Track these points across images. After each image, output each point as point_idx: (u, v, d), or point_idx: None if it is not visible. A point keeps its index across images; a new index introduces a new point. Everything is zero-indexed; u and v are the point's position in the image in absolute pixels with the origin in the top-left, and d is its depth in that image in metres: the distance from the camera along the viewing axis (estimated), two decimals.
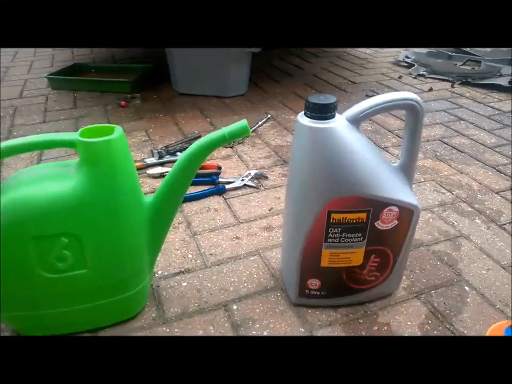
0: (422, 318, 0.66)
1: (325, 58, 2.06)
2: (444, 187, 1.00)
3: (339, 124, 0.54)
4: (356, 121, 0.55)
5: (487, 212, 0.91)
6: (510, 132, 1.28)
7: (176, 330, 0.63)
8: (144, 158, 1.08)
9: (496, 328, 0.63)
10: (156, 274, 0.73)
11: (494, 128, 1.31)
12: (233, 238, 0.82)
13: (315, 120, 0.54)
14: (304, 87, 1.66)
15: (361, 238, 0.59)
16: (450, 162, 1.12)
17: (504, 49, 2.15)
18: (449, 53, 2.01)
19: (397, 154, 1.14)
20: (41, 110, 1.44)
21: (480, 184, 1.02)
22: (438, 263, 0.77)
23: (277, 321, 0.65)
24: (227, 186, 0.97)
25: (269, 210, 0.91)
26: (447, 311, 0.67)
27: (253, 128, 1.25)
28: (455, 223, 0.87)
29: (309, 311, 0.66)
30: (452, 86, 1.67)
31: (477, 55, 1.99)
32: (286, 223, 0.65)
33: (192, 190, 0.96)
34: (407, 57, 1.98)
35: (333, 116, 0.54)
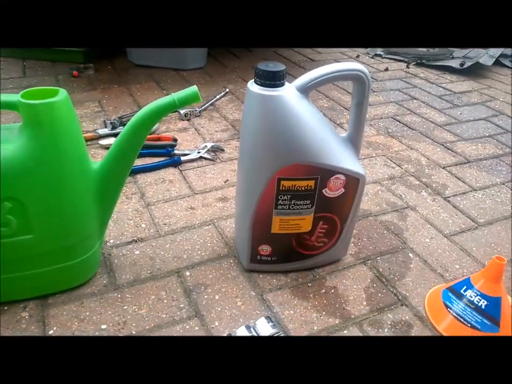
0: (368, 282, 0.69)
1: None
2: (394, 162, 1.04)
3: (288, 92, 0.55)
4: (304, 90, 0.56)
5: (434, 185, 0.96)
6: (459, 112, 1.34)
7: (127, 296, 0.63)
8: (96, 129, 1.06)
9: (435, 291, 0.67)
10: (108, 243, 0.72)
11: (444, 108, 1.37)
12: (188, 208, 0.83)
13: (265, 88, 0.54)
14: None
15: (310, 205, 0.61)
16: (401, 139, 1.16)
17: None
18: None
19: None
20: None
21: (428, 159, 1.06)
22: (385, 232, 0.80)
23: (229, 286, 0.66)
24: (183, 158, 0.97)
25: (225, 182, 0.91)
26: (391, 276, 0.70)
27: (210, 102, 1.24)
28: (403, 195, 0.91)
29: (260, 276, 0.68)
30: (407, 67, 1.72)
31: None
32: (238, 191, 0.66)
33: (148, 161, 0.95)
34: None
35: (282, 84, 0.55)
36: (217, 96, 1.28)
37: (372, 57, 1.80)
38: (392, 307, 0.65)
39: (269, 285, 0.67)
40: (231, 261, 0.71)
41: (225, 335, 0.58)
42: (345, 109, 1.31)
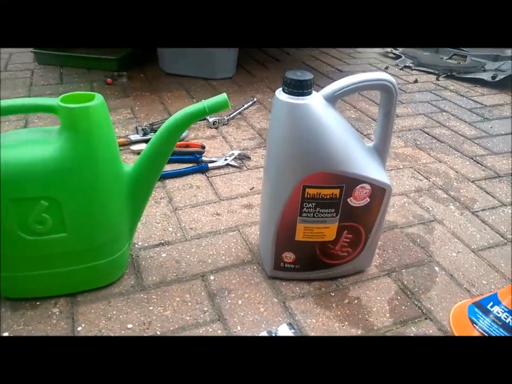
0: (392, 294, 0.68)
1: None
2: (421, 174, 1.03)
3: (315, 100, 0.56)
4: (332, 99, 0.57)
5: (462, 199, 0.94)
6: (490, 125, 1.32)
7: (153, 297, 0.65)
8: (128, 135, 1.09)
9: (461, 306, 0.66)
10: (136, 245, 0.74)
11: (474, 121, 1.35)
12: (214, 214, 0.84)
13: (292, 96, 0.55)
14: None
15: (334, 213, 0.62)
16: (429, 151, 1.14)
17: None
18: None
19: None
20: (27, 84, 1.42)
21: (457, 173, 1.05)
22: (411, 244, 0.80)
23: (252, 291, 0.67)
24: (210, 165, 0.99)
25: (250, 190, 0.92)
26: (416, 289, 0.70)
27: (238, 111, 1.26)
28: (430, 208, 0.90)
29: (283, 283, 0.69)
30: (437, 79, 1.70)
31: (463, 50, 2.01)
32: (264, 198, 0.67)
33: (176, 167, 0.97)
34: (394, 48, 2.00)
35: (310, 93, 0.56)
36: (245, 105, 1.30)
37: (401, 69, 1.79)
38: (416, 320, 0.64)
39: (291, 292, 0.67)
40: (255, 267, 0.72)
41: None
42: (373, 119, 1.30)
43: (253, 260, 0.73)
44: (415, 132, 1.25)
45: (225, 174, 0.98)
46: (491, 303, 0.61)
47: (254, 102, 1.34)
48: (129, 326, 0.60)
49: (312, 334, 0.61)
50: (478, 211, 0.90)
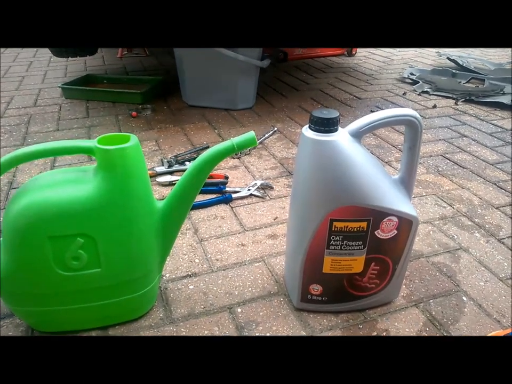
0: (420, 326, 0.68)
1: (332, 74, 2.10)
2: (445, 201, 1.03)
3: (341, 137, 0.57)
4: (357, 135, 0.58)
5: (487, 226, 0.93)
6: (511, 149, 1.31)
7: (182, 330, 0.65)
8: (154, 167, 1.12)
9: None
10: (164, 277, 0.76)
11: (496, 145, 1.34)
12: (239, 244, 0.85)
13: (319, 133, 0.57)
14: (310, 101, 1.70)
15: (362, 246, 0.62)
16: (452, 178, 1.14)
17: (507, 67, 2.19)
18: (454, 71, 2.05)
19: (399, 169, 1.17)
20: (55, 118, 1.48)
21: (481, 199, 1.04)
22: (437, 273, 0.79)
23: (279, 324, 0.67)
24: (234, 195, 1.00)
25: (274, 219, 0.94)
26: (445, 320, 0.69)
27: (259, 140, 1.29)
28: (455, 236, 0.90)
29: (311, 315, 0.69)
30: (456, 103, 1.70)
31: (481, 74, 2.02)
32: (290, 230, 0.68)
33: (200, 198, 0.99)
34: (412, 74, 2.02)
35: (336, 130, 0.57)
36: (266, 135, 1.32)
37: (419, 94, 1.80)
38: None
39: (319, 325, 0.67)
40: (281, 299, 0.72)
41: None
42: (393, 146, 1.31)
43: (279, 291, 0.74)
44: (436, 158, 1.26)
45: (248, 204, 0.99)
46: None
47: (275, 131, 1.37)
48: None
49: None
50: (504, 238, 0.89)
